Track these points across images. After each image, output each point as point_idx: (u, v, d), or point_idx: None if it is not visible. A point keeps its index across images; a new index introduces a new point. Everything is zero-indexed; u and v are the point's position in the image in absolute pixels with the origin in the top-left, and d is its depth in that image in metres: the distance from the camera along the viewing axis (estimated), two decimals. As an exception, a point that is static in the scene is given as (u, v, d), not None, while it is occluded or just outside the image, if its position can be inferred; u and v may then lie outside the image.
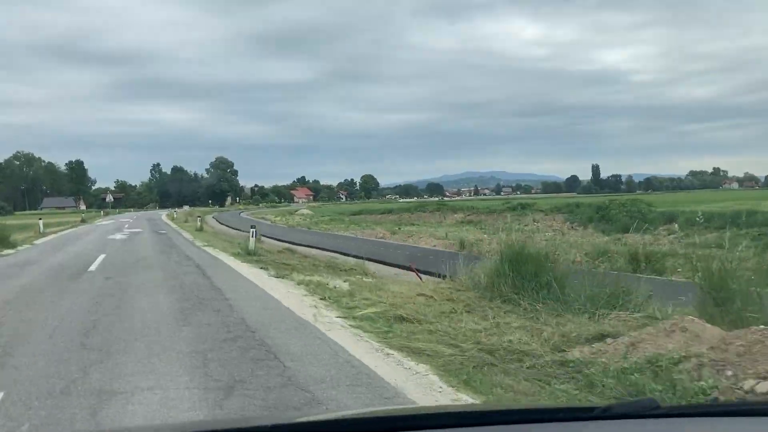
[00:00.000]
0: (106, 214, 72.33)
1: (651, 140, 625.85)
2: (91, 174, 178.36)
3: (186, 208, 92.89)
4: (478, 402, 4.79)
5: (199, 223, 32.94)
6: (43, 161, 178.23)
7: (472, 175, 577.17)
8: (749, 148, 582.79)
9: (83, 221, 49.11)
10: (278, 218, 64.19)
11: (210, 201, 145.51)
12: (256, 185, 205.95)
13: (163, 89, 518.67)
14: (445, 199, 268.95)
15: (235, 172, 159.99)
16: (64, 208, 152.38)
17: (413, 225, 41.50)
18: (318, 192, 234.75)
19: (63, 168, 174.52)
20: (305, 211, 75.83)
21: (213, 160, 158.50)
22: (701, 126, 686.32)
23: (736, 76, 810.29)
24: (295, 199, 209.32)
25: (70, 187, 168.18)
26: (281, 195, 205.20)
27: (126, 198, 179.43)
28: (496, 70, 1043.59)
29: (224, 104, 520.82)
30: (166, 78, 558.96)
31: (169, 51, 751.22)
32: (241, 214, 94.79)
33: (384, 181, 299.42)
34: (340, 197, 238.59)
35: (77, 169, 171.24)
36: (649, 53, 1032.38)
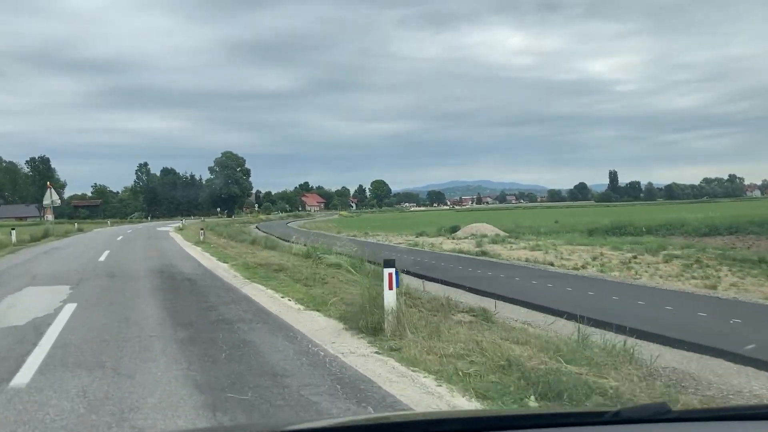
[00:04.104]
0: (21, 243, 24.73)
1: (637, 149, 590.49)
2: (65, 179, 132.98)
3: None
4: (483, 408, 4.17)
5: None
6: (4, 161, 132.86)
7: (458, 185, 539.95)
8: (735, 156, 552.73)
9: None
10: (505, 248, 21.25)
11: (218, 209, 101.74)
12: (258, 191, 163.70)
13: (147, 97, 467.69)
14: (456, 207, 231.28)
15: (247, 172, 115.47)
16: (25, 218, 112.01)
17: None
18: (330, 199, 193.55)
19: (25, 168, 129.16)
20: (488, 229, 32.54)
21: (219, 156, 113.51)
22: (687, 135, 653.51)
23: (720, 85, 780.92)
24: (307, 207, 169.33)
25: (33, 191, 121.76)
26: (291, 202, 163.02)
27: (106, 206, 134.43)
28: (481, 79, 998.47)
29: (210, 113, 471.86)
30: (150, 86, 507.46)
31: (153, 59, 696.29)
32: (287, 224, 52.07)
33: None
34: (351, 205, 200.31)
35: (41, 168, 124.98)
36: (635, 62, 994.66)
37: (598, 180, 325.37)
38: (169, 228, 46.79)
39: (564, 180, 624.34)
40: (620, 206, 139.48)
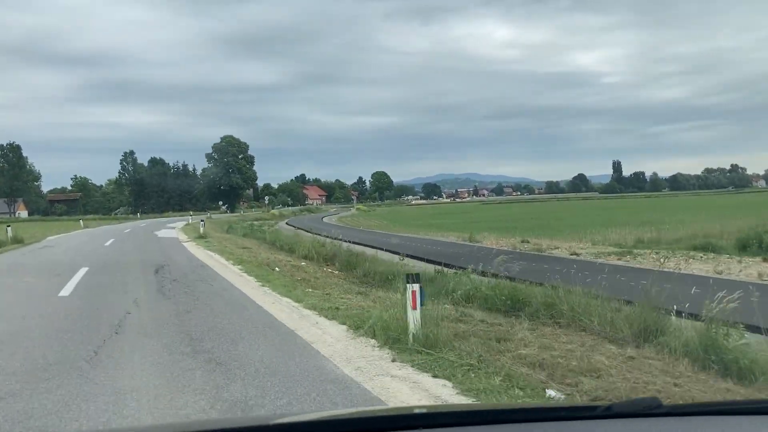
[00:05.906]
0: None
1: (623, 141, 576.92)
2: (39, 169, 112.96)
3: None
4: (477, 402, 4.11)
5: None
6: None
7: (447, 178, 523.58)
8: (725, 147, 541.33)
9: None
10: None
11: (220, 202, 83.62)
12: (256, 183, 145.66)
13: (131, 91, 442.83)
14: (457, 201, 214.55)
15: (251, 159, 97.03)
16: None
17: None
18: (332, 192, 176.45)
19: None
20: None
21: (218, 141, 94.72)
22: (672, 127, 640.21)
23: (706, 77, 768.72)
24: (309, 200, 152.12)
25: (2, 183, 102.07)
26: (293, 195, 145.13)
27: (87, 200, 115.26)
28: (468, 72, 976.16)
29: (196, 107, 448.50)
30: (135, 80, 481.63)
31: (138, 52, 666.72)
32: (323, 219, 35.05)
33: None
34: (351, 198, 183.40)
35: (11, 157, 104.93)
36: (621, 55, 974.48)
37: (591, 171, 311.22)
38: (173, 231, 28.96)
39: (552, 172, 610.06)
40: (651, 198, 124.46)
